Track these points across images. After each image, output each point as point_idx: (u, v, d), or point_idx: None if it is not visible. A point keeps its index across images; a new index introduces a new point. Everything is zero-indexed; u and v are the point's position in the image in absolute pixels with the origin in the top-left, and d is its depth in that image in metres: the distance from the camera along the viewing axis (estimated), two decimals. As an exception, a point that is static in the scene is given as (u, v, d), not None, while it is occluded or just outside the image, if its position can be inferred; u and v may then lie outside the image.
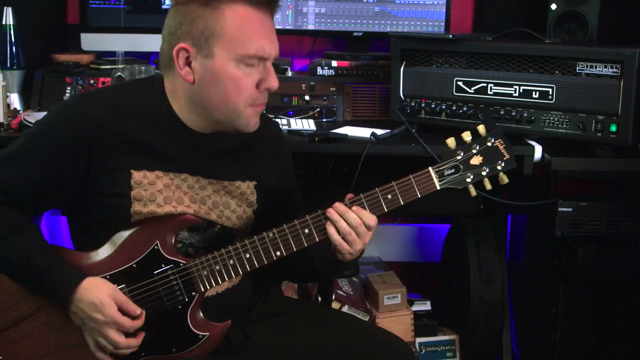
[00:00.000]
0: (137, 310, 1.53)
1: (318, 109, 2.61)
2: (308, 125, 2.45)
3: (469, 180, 1.58)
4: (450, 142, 1.59)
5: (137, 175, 1.56)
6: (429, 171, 1.58)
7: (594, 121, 2.19)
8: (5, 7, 2.53)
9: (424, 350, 2.61)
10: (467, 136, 1.59)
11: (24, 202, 1.58)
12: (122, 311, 1.51)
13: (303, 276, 1.86)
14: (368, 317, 2.52)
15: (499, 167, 1.59)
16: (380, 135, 2.29)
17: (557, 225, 2.26)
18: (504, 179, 1.60)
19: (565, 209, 2.26)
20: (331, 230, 1.54)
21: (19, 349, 1.56)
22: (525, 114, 2.27)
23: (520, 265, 2.64)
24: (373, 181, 2.23)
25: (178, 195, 1.59)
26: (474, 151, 1.58)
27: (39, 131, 1.59)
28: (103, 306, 1.48)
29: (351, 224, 1.53)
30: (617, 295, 2.32)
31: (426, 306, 2.67)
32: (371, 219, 1.55)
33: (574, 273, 2.22)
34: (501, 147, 1.59)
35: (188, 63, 1.53)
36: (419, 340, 2.61)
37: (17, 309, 1.56)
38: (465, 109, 2.36)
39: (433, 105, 2.41)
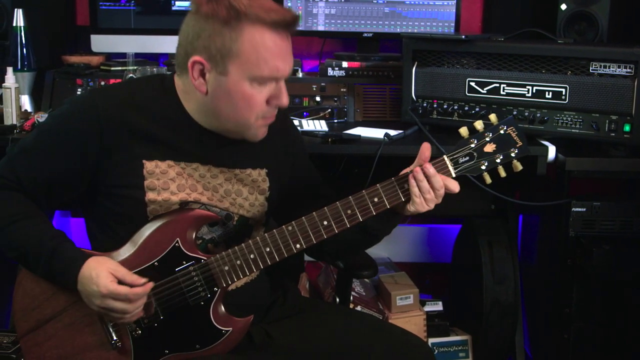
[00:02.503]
0: (140, 280, 1.52)
1: (329, 110, 2.61)
2: (320, 126, 2.45)
3: (483, 167, 1.60)
4: (463, 131, 1.60)
5: (149, 165, 1.58)
6: (443, 159, 1.59)
7: (607, 121, 2.19)
8: (15, 9, 2.52)
9: (436, 351, 2.61)
10: (479, 125, 1.60)
11: (38, 193, 1.60)
12: (124, 284, 1.50)
13: (335, 251, 1.81)
14: (381, 318, 2.52)
15: (512, 154, 1.60)
16: (393, 136, 2.29)
17: (571, 225, 2.27)
18: (518, 166, 1.60)
19: (579, 209, 2.27)
20: (412, 182, 1.55)
21: (43, 351, 1.58)
22: (538, 114, 2.27)
23: (532, 265, 2.64)
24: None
25: (191, 182, 1.61)
26: (487, 139, 1.59)
27: (52, 123, 1.62)
28: (98, 278, 1.48)
29: (434, 187, 1.54)
30: (631, 295, 2.32)
31: (438, 307, 2.68)
32: (456, 186, 1.56)
33: (589, 273, 2.22)
34: (513, 135, 1.60)
35: (202, 75, 1.55)
36: (431, 340, 2.61)
37: (40, 311, 1.58)
38: (477, 109, 2.36)
39: (445, 106, 2.41)
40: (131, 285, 1.51)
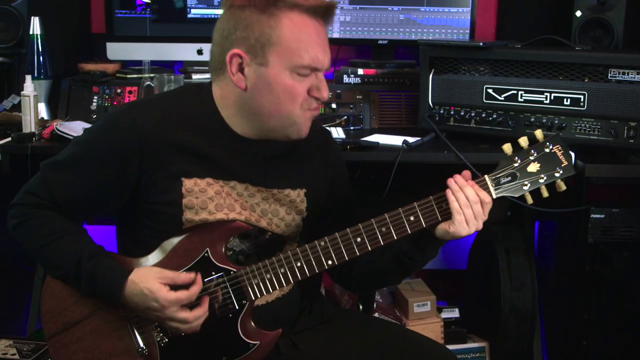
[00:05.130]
0: (191, 275, 1.51)
1: (345, 117, 2.61)
2: (337, 133, 2.45)
3: (525, 188, 1.54)
4: (507, 148, 1.54)
5: (188, 183, 1.55)
6: (485, 179, 1.54)
7: (626, 128, 2.19)
8: (32, 17, 2.53)
9: (454, 358, 2.61)
10: (524, 142, 1.54)
11: (74, 209, 1.58)
12: (176, 286, 1.50)
13: (363, 279, 1.77)
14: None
15: (556, 175, 1.54)
16: (411, 143, 2.29)
17: (590, 231, 2.26)
18: (562, 186, 1.55)
19: (598, 216, 2.26)
20: (451, 196, 1.50)
21: (70, 354, 1.57)
22: (556, 121, 2.27)
23: (549, 271, 2.64)
24: (402, 189, 2.24)
25: (229, 202, 1.58)
26: (531, 158, 1.54)
27: (90, 139, 1.59)
28: (153, 293, 1.48)
29: (469, 198, 1.50)
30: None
31: (455, 313, 2.67)
32: (486, 196, 1.51)
33: (608, 279, 2.22)
34: (559, 154, 1.54)
35: (241, 69, 1.52)
36: (448, 347, 2.60)
37: (68, 314, 1.58)
38: (495, 116, 2.36)
39: (462, 113, 2.41)
40: (185, 286, 1.50)
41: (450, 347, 2.60)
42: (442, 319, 2.60)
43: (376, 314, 2.48)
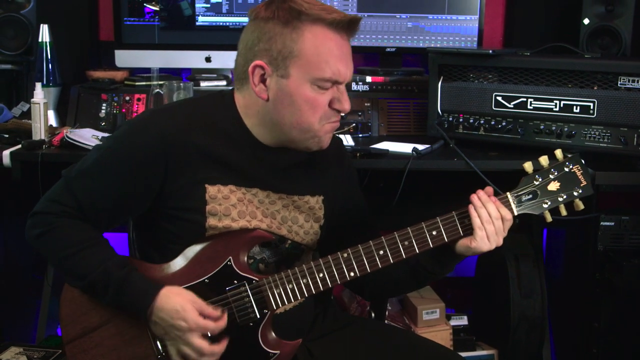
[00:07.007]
0: (218, 311, 1.52)
1: (353, 124, 2.61)
2: (346, 140, 2.45)
3: (545, 206, 1.58)
4: (528, 166, 1.59)
5: (211, 190, 1.56)
6: (507, 196, 1.58)
7: (635, 135, 2.19)
8: (41, 25, 2.54)
9: (463, 365, 2.60)
10: (544, 161, 1.60)
11: (99, 216, 1.57)
12: (203, 315, 1.50)
13: (376, 287, 1.78)
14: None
15: (575, 194, 1.59)
16: (421, 150, 2.29)
17: (600, 239, 2.27)
18: (580, 205, 1.60)
19: (608, 223, 2.26)
20: (473, 212, 1.53)
21: (89, 359, 1.56)
22: (566, 129, 2.27)
23: (558, 279, 2.63)
24: (411, 196, 2.24)
25: (251, 209, 1.59)
26: (552, 177, 1.59)
27: (115, 147, 1.58)
28: (185, 312, 1.48)
29: (491, 215, 1.53)
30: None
31: (463, 321, 2.67)
32: (508, 214, 1.55)
33: (618, 287, 2.22)
34: (578, 173, 1.60)
35: (263, 80, 1.53)
36: (457, 355, 2.60)
37: (87, 319, 1.57)
38: (504, 123, 2.36)
39: (471, 120, 2.41)
40: (211, 318, 1.51)
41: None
42: (451, 326, 2.60)
43: (385, 322, 2.48)
